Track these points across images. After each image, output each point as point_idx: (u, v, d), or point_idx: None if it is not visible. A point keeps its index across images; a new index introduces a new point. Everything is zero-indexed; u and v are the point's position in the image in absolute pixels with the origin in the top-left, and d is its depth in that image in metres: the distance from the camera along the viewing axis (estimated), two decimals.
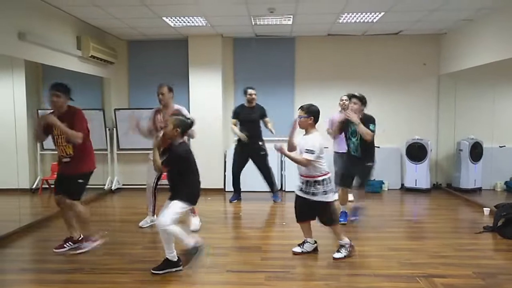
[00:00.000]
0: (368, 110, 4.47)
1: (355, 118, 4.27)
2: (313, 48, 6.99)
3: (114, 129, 6.93)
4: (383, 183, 6.84)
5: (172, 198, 3.40)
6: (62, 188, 3.88)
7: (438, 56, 6.93)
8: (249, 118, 5.83)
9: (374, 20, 5.88)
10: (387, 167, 6.69)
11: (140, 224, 4.76)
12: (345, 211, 4.85)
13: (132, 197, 6.53)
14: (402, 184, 7.02)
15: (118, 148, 7.01)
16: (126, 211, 5.42)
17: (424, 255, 3.80)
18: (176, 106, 4.58)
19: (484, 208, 5.36)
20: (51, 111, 3.82)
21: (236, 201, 6.13)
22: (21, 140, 5.76)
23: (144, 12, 5.33)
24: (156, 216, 4.71)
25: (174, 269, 3.42)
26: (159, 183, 4.67)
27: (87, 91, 6.79)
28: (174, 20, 5.78)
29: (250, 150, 5.89)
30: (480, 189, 6.70)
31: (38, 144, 6.48)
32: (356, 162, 4.53)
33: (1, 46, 4.22)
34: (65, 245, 3.98)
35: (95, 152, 4.02)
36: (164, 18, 5.67)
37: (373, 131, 4.31)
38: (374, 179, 6.34)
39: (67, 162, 3.82)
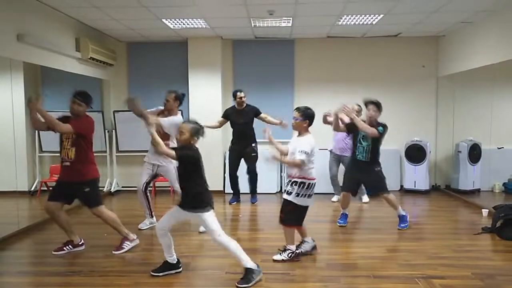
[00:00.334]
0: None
1: (352, 114, 4.36)
2: (313, 50, 7.01)
3: (113, 131, 6.93)
4: None
5: (183, 206, 3.27)
6: (61, 197, 3.88)
7: (437, 58, 6.96)
8: (239, 121, 5.85)
9: (374, 22, 5.89)
10: (386, 168, 6.61)
11: (139, 226, 4.76)
12: (345, 213, 4.86)
13: (131, 199, 6.47)
14: (401, 186, 7.03)
15: (117, 150, 7.01)
16: (125, 213, 5.40)
17: (423, 256, 3.80)
18: (179, 115, 4.57)
19: (483, 209, 5.37)
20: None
21: (235, 203, 6.13)
22: (20, 142, 5.75)
23: (144, 14, 5.33)
24: (155, 217, 4.75)
25: (173, 271, 3.41)
26: (150, 185, 4.70)
27: None
28: (173, 22, 5.78)
29: (243, 151, 5.94)
30: (478, 190, 6.72)
31: (37, 146, 6.47)
32: (364, 168, 4.56)
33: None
34: (64, 248, 3.97)
35: (94, 154, 4.00)
36: (164, 20, 5.68)
37: (380, 133, 4.39)
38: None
39: (67, 167, 3.83)
